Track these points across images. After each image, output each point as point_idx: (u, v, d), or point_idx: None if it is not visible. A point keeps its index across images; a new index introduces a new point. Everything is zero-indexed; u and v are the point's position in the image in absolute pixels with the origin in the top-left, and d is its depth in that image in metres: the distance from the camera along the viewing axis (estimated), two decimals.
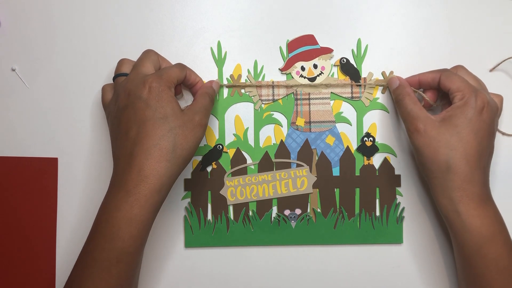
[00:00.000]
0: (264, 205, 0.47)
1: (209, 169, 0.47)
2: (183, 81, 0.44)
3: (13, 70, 0.47)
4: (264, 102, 0.48)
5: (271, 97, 0.48)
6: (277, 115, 0.48)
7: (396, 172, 0.47)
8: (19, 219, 0.47)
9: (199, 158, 0.47)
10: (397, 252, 0.47)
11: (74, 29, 0.48)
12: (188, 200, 0.47)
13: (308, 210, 0.47)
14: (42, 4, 0.47)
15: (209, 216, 0.47)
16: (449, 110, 0.42)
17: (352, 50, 0.48)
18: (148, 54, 0.44)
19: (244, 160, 0.47)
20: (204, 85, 0.46)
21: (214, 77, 0.48)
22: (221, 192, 0.47)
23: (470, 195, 0.40)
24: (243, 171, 0.47)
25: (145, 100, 0.40)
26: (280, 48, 0.48)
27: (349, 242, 0.47)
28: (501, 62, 0.47)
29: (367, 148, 0.47)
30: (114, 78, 0.44)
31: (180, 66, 0.44)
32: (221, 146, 0.47)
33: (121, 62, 0.45)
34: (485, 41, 0.48)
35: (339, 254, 0.47)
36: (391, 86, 0.46)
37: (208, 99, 0.44)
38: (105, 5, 0.48)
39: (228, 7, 0.48)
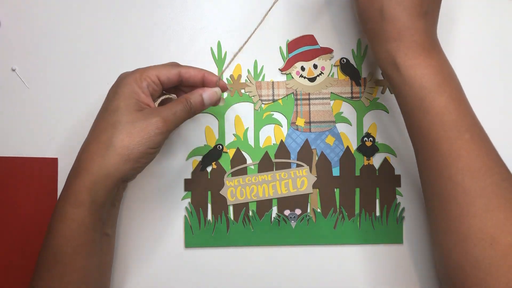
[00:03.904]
0: (264, 205, 0.47)
1: (209, 169, 0.47)
2: (182, 81, 0.41)
3: (13, 70, 0.47)
4: (264, 102, 0.48)
5: (271, 97, 0.48)
6: (277, 115, 0.48)
7: (396, 172, 0.47)
8: (19, 219, 0.47)
9: (199, 158, 0.47)
10: (397, 252, 0.47)
11: (74, 29, 0.48)
12: (188, 200, 0.47)
13: (308, 210, 0.47)
14: (42, 4, 0.47)
15: (209, 216, 0.47)
16: None
17: (352, 50, 0.48)
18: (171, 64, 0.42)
19: (244, 160, 0.47)
20: (192, 91, 0.41)
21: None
22: (221, 192, 0.47)
23: (407, 44, 0.36)
24: (243, 171, 0.47)
25: (109, 91, 0.39)
26: (280, 48, 0.48)
27: (349, 242, 0.47)
28: None
29: (367, 148, 0.47)
30: None
31: (170, 64, 0.41)
32: (221, 146, 0.47)
33: None
34: (484, 38, 0.48)
35: (339, 254, 0.47)
36: None
37: (182, 107, 0.39)
38: (105, 5, 0.48)
39: (228, 8, 0.48)
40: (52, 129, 0.47)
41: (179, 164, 0.47)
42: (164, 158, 0.47)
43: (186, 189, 0.47)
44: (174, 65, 0.41)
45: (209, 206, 0.47)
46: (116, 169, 0.36)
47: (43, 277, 0.37)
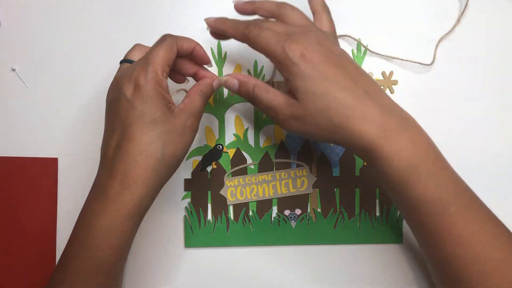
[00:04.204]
0: (264, 205, 0.47)
1: (209, 169, 0.47)
2: (177, 67, 0.40)
3: (13, 70, 0.47)
4: None
5: None
6: None
7: None
8: (19, 219, 0.47)
9: (199, 158, 0.47)
10: (397, 252, 0.47)
11: (74, 29, 0.48)
12: (188, 200, 0.47)
13: (308, 210, 0.47)
14: (42, 4, 0.47)
15: (209, 216, 0.47)
16: (288, 84, 0.37)
17: (352, 51, 0.48)
18: (166, 39, 0.38)
19: (244, 160, 0.47)
20: (201, 82, 0.40)
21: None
22: (221, 192, 0.47)
23: (373, 140, 0.34)
24: (243, 171, 0.47)
25: (131, 100, 0.35)
26: None
27: (349, 242, 0.47)
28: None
29: None
30: (120, 63, 0.41)
31: (167, 43, 0.37)
32: (221, 146, 0.47)
33: (133, 47, 0.40)
34: (487, 41, 0.48)
35: (339, 254, 0.47)
36: (232, 90, 0.40)
37: (202, 100, 0.39)
38: (105, 5, 0.48)
39: (228, 8, 0.48)
40: (52, 129, 0.47)
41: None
42: None
43: (186, 189, 0.47)
44: (170, 42, 0.38)
45: (209, 206, 0.47)
46: (166, 178, 0.37)
47: None
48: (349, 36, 0.48)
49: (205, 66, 0.42)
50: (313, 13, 0.41)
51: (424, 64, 0.48)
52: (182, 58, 0.40)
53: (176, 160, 0.37)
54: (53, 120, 0.47)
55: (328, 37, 0.38)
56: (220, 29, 0.40)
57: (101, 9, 0.48)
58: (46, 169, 0.47)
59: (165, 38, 0.38)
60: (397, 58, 0.48)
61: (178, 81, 0.43)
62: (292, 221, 0.47)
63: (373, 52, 0.48)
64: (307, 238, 0.47)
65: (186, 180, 0.47)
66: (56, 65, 0.47)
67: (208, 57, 0.41)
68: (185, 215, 0.47)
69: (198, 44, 0.40)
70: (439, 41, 0.48)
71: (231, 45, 0.48)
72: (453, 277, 0.36)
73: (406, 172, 0.34)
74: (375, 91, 0.36)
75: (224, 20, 0.40)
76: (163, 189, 0.46)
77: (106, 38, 0.48)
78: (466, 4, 0.48)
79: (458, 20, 0.48)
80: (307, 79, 0.35)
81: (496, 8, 0.48)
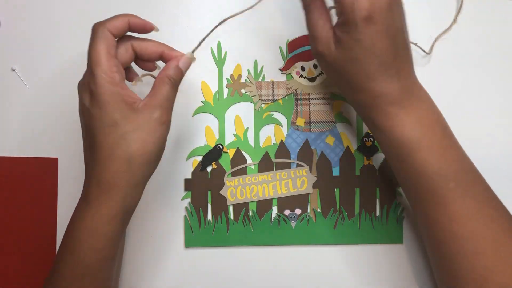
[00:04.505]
0: (264, 205, 0.47)
1: (209, 169, 0.47)
2: (138, 53, 0.38)
3: (13, 70, 0.47)
4: (264, 102, 0.48)
5: (271, 97, 0.48)
6: (277, 115, 0.48)
7: None
8: (19, 219, 0.47)
9: (199, 158, 0.47)
10: (397, 252, 0.47)
11: (74, 29, 0.48)
12: (188, 200, 0.47)
13: (308, 210, 0.47)
14: (42, 4, 0.47)
15: (209, 216, 0.47)
16: (338, 27, 0.35)
17: None
18: (97, 31, 0.36)
19: (244, 160, 0.47)
20: (166, 66, 0.37)
21: (215, 78, 0.48)
22: (221, 192, 0.47)
23: (384, 108, 0.36)
24: (243, 171, 0.47)
25: (89, 108, 0.35)
26: (280, 48, 0.48)
27: (349, 242, 0.47)
28: None
29: (367, 148, 0.47)
30: None
31: (99, 34, 0.35)
32: (221, 146, 0.47)
33: (95, 37, 0.37)
34: (488, 43, 0.48)
35: (339, 254, 0.47)
36: None
37: (169, 88, 0.36)
38: (105, 5, 0.48)
39: (228, 8, 0.48)
40: (52, 129, 0.47)
41: (179, 164, 0.47)
42: (164, 158, 0.47)
43: (186, 189, 0.47)
44: (102, 33, 0.36)
45: (209, 206, 0.47)
46: (143, 176, 0.36)
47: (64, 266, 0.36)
48: None
49: (169, 47, 0.39)
50: None
51: (424, 52, 0.47)
52: (139, 41, 0.38)
53: (151, 156, 0.36)
54: (53, 120, 0.47)
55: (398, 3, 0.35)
56: None
57: (101, 9, 0.48)
58: (46, 169, 0.47)
59: (94, 29, 0.36)
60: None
61: (149, 69, 0.41)
62: (292, 221, 0.47)
63: None
64: (307, 238, 0.47)
65: (186, 180, 0.47)
66: (56, 65, 0.47)
67: (149, 23, 0.38)
68: (185, 215, 0.47)
69: (131, 16, 0.38)
70: (436, 39, 0.48)
71: (231, 44, 0.48)
72: (447, 255, 0.36)
73: (408, 144, 0.36)
74: (404, 70, 0.36)
75: None
76: (163, 189, 0.47)
77: None
78: (462, 3, 0.47)
79: (455, 20, 0.48)
80: (357, 42, 0.34)
81: (492, 6, 0.48)
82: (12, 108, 0.47)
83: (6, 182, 0.46)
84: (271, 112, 0.48)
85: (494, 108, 0.48)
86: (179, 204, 0.47)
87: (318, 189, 0.47)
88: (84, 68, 0.47)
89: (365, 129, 0.48)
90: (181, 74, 0.38)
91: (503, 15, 0.48)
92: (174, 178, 0.47)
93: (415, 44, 0.47)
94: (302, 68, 0.48)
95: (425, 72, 0.47)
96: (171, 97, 0.37)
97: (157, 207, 0.47)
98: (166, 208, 0.47)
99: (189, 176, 0.47)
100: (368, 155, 0.48)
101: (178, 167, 0.47)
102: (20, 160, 0.46)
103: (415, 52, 0.47)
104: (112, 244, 0.37)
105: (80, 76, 0.47)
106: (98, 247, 0.36)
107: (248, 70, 0.48)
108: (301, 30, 0.48)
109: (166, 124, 0.36)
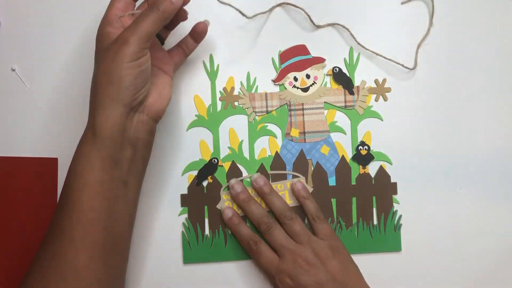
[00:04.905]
0: None
1: (205, 183, 0.47)
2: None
3: (13, 70, 0.47)
4: (258, 114, 0.47)
5: (264, 109, 0.47)
6: (271, 127, 0.48)
7: (392, 180, 0.47)
8: (19, 219, 0.46)
9: (194, 173, 0.47)
10: (396, 259, 0.47)
11: (74, 29, 0.47)
12: (185, 215, 0.47)
13: (306, 221, 0.47)
14: (42, 4, 0.47)
15: (207, 231, 0.47)
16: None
17: (345, 59, 0.48)
18: None
19: (240, 173, 0.47)
20: None
21: (208, 91, 0.47)
22: (218, 206, 0.47)
23: None
24: None
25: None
26: (273, 59, 0.48)
27: None
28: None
29: (362, 156, 0.47)
30: None
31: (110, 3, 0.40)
32: (216, 160, 0.47)
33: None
34: (481, 54, 0.48)
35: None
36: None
37: (155, 16, 0.37)
38: (105, 5, 0.47)
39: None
40: (52, 129, 0.47)
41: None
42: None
43: (182, 204, 0.47)
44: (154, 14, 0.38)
45: (206, 220, 0.47)
46: (114, 98, 0.37)
47: (56, 216, 0.37)
48: (339, 25, 0.47)
49: None
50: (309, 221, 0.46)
51: (407, 68, 0.47)
52: None
53: (122, 79, 0.37)
54: (53, 120, 0.47)
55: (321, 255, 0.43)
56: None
57: (101, 9, 0.47)
58: (46, 169, 0.46)
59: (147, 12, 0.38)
60: (383, 57, 0.47)
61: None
62: None
63: (360, 45, 0.47)
64: None
65: (182, 196, 0.47)
66: (56, 65, 0.47)
67: None
68: (182, 231, 0.47)
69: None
70: (419, 46, 0.48)
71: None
72: None
73: None
74: None
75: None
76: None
77: None
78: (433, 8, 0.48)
79: (431, 23, 0.48)
80: None
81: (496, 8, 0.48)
82: (12, 108, 0.47)
83: (6, 182, 0.46)
84: (265, 124, 0.47)
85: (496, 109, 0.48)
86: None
87: (314, 200, 0.47)
88: (84, 68, 0.47)
89: (360, 137, 0.48)
90: (170, 4, 0.38)
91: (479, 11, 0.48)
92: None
93: (402, 65, 0.47)
94: (295, 79, 0.48)
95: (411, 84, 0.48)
96: (150, 31, 0.37)
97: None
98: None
99: (185, 192, 0.47)
100: (363, 163, 0.47)
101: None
102: (20, 160, 0.46)
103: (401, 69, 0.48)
104: (90, 169, 0.37)
105: (79, 76, 0.47)
106: (77, 169, 0.37)
107: (241, 82, 0.48)
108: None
109: (138, 46, 0.37)
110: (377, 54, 0.47)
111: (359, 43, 0.47)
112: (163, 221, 0.46)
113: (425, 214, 0.47)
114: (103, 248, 0.37)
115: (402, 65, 0.47)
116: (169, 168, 0.47)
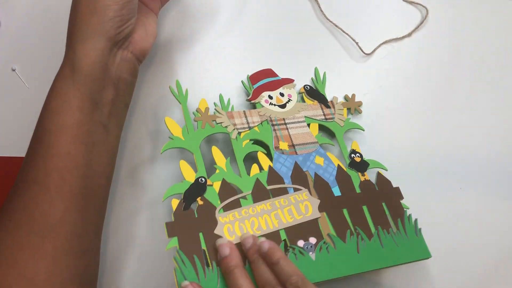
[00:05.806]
0: (272, 239, 0.37)
1: (194, 206, 0.37)
2: None
3: (13, 70, 0.46)
4: (240, 131, 0.42)
5: (246, 125, 0.43)
6: (257, 142, 0.42)
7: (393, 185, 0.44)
8: None
9: (179, 197, 0.37)
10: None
11: None
12: (176, 247, 0.35)
13: (324, 237, 0.38)
14: (42, 4, 0.47)
15: (208, 263, 0.35)
16: None
17: (312, 78, 0.48)
18: None
19: (234, 192, 0.39)
20: None
21: (179, 114, 0.42)
22: (216, 231, 0.36)
23: None
24: (237, 204, 0.38)
25: None
26: (242, 82, 0.46)
27: (378, 266, 0.38)
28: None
29: (358, 163, 0.44)
30: None
31: None
32: (203, 179, 0.38)
33: None
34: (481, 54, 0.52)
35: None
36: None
37: None
38: None
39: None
40: None
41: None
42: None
43: (170, 234, 0.35)
44: None
45: (205, 250, 0.35)
46: (97, 30, 0.33)
47: (28, 161, 0.32)
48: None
49: None
50: None
51: (364, 53, 0.50)
52: None
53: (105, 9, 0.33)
54: None
55: None
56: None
57: None
58: None
59: None
60: (347, 34, 0.49)
61: None
62: (310, 252, 0.37)
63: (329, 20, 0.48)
64: (332, 270, 0.37)
65: (168, 224, 0.35)
66: (56, 65, 0.38)
67: None
68: (175, 268, 0.34)
69: None
70: (384, 42, 0.51)
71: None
72: None
73: None
74: None
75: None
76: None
77: None
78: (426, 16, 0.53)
79: (410, 33, 0.53)
80: None
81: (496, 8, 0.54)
82: (12, 108, 0.44)
83: (6, 182, 0.40)
84: (250, 140, 0.42)
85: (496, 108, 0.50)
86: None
87: (325, 212, 0.40)
88: None
89: (349, 146, 0.45)
90: None
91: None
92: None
93: (359, 47, 0.50)
94: (270, 97, 0.45)
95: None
96: None
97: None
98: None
99: (170, 219, 0.36)
100: (361, 170, 0.43)
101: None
102: (20, 160, 0.39)
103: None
104: (67, 109, 0.33)
105: None
106: (53, 108, 0.33)
107: (215, 103, 0.43)
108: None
109: None
110: (339, 28, 0.49)
111: (325, 16, 0.49)
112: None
113: (426, 214, 0.43)
114: (81, 200, 0.31)
115: (359, 47, 0.49)
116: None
